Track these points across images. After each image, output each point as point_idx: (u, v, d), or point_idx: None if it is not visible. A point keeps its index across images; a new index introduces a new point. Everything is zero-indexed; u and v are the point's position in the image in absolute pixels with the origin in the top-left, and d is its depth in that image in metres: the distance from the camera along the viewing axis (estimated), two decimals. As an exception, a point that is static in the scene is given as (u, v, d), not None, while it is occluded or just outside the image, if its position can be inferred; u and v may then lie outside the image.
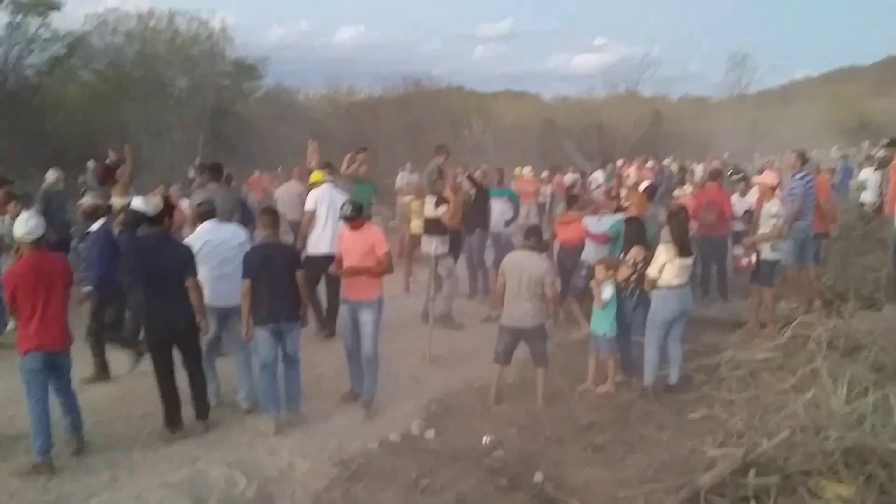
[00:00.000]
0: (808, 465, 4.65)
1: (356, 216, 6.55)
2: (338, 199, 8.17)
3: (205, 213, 7.05)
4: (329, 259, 7.21)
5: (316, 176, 9.10)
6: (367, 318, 6.54)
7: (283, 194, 13.42)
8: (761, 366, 6.70)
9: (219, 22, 26.48)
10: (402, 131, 27.95)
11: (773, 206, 8.55)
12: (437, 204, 9.05)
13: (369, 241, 6.52)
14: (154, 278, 5.96)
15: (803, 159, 9.60)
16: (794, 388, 5.91)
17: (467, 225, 9.96)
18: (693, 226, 10.07)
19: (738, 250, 8.65)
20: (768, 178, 8.96)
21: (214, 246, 6.66)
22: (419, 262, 11.15)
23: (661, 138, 34.13)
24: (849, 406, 5.28)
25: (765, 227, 8.51)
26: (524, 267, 6.64)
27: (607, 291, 7.00)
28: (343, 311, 6.81)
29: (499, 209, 10.68)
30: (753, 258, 8.44)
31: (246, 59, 27.77)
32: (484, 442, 5.96)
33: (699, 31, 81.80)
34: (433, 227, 9.09)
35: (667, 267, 6.80)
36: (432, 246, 8.91)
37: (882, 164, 12.48)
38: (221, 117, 25.59)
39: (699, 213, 10.04)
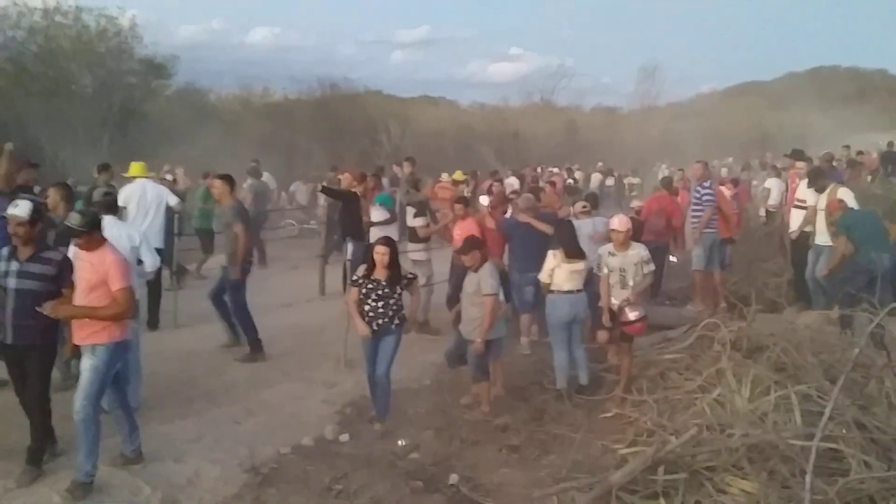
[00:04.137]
0: (714, 462, 4.79)
1: (82, 230, 4.83)
2: (151, 194, 8.07)
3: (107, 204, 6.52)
4: None
5: (135, 169, 8.80)
6: (85, 363, 4.92)
7: None
8: (670, 366, 6.87)
9: (128, 19, 25.37)
10: (319, 134, 27.53)
11: None
12: (416, 215, 9.34)
13: (101, 271, 4.85)
14: None
15: (709, 169, 9.97)
16: (701, 388, 6.07)
17: (342, 232, 10.15)
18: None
19: (633, 314, 6.70)
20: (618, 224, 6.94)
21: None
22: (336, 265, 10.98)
23: (575, 147, 34.81)
24: (752, 405, 5.47)
25: None
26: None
27: None
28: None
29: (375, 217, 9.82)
30: (635, 315, 6.69)
31: (155, 58, 26.83)
32: (399, 444, 5.91)
33: (611, 43, 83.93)
34: (413, 235, 9.40)
35: (556, 272, 6.91)
36: (416, 253, 9.28)
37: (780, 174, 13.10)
38: (129, 116, 24.65)
39: (649, 219, 10.22)
